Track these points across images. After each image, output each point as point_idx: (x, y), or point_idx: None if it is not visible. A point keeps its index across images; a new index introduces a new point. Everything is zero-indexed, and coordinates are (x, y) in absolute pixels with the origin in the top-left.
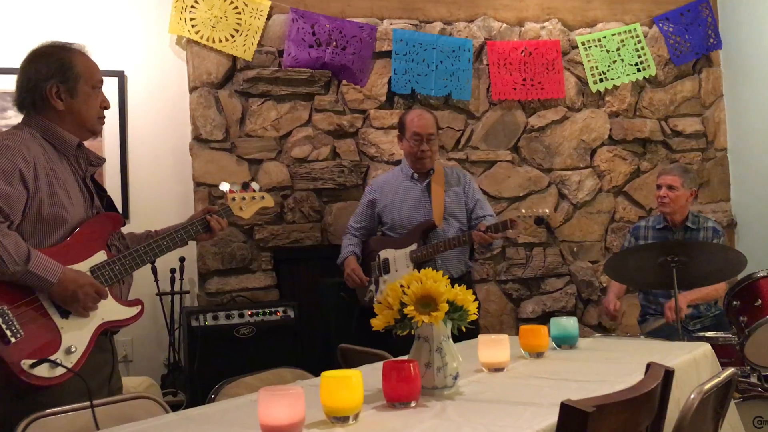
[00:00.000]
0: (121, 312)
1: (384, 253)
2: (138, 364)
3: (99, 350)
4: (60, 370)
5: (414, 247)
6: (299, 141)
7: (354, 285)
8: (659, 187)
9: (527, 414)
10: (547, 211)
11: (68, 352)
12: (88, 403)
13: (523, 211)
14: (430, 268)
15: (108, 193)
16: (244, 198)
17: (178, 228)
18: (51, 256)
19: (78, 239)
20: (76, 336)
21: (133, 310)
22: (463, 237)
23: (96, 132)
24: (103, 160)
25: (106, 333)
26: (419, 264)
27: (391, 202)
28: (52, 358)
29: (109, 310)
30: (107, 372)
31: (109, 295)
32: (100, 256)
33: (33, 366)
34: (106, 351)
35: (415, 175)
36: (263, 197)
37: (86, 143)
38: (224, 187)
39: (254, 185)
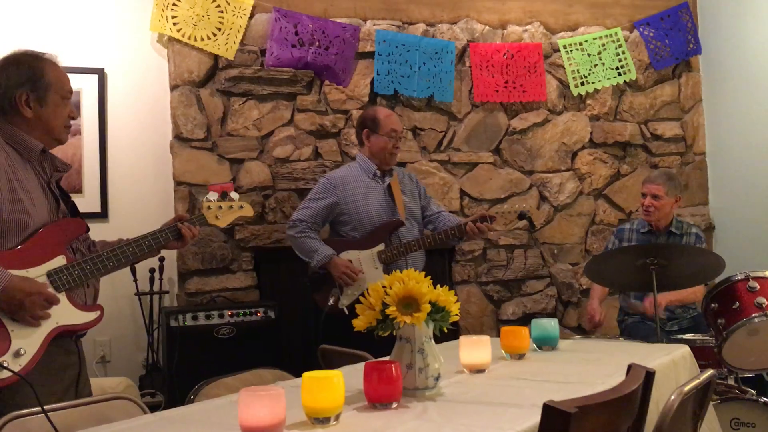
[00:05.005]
0: (78, 317)
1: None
2: (116, 364)
3: (62, 352)
4: (6, 373)
5: (381, 247)
6: (281, 141)
7: (351, 283)
8: (644, 195)
9: (508, 415)
10: (526, 206)
11: (17, 354)
12: (64, 404)
13: (506, 206)
14: (401, 268)
15: (72, 199)
16: (221, 207)
17: (146, 235)
18: (7, 259)
19: (37, 243)
20: (26, 339)
21: (91, 315)
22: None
23: (62, 141)
24: (69, 166)
25: (72, 336)
26: (388, 264)
27: (354, 200)
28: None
29: (65, 314)
30: (73, 375)
31: (66, 300)
32: (59, 261)
33: None
34: (71, 353)
35: (378, 173)
36: (242, 206)
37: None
38: (212, 196)
39: (233, 195)
